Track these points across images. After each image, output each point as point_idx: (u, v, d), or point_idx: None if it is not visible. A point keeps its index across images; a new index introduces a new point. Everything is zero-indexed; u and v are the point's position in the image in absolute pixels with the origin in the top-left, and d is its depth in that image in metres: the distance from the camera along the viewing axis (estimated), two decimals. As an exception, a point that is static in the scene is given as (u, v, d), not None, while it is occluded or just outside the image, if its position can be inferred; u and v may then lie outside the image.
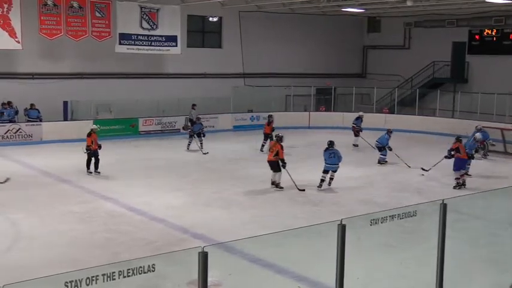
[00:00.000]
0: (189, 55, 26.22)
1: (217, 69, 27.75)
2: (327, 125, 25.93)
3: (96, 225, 11.62)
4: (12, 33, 21.40)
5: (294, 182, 14.61)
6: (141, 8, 24.20)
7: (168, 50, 25.21)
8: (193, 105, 23.84)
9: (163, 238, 10.81)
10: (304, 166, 17.20)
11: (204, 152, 19.73)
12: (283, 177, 14.76)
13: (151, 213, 12.48)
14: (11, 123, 21.25)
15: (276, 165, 14.67)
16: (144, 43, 24.47)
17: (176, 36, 25.10)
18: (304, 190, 14.51)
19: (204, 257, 4.73)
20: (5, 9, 21.18)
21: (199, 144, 20.18)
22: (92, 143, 16.11)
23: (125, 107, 23.92)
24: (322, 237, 7.30)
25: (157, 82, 26.07)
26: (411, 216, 6.41)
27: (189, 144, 20.47)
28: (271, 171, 14.86)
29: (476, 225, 11.04)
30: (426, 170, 16.59)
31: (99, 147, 16.29)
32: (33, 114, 21.88)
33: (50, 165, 17.46)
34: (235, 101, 27.22)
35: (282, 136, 15.14)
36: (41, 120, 21.90)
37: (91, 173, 16.15)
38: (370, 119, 26.92)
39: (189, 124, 22.54)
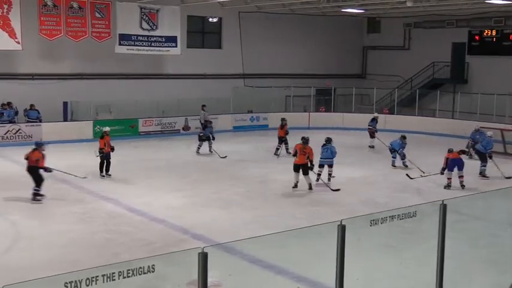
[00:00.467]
0: (189, 56, 26.23)
1: (217, 70, 27.76)
2: (326, 125, 25.91)
3: (96, 225, 11.62)
4: (12, 34, 21.41)
5: (326, 183, 14.83)
6: (141, 8, 24.21)
7: (168, 50, 25.22)
8: (203, 106, 23.74)
9: (163, 239, 10.81)
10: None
11: (221, 156, 19.15)
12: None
13: (151, 213, 12.48)
14: (10, 124, 21.26)
15: (306, 167, 14.51)
16: (144, 44, 24.47)
17: (176, 36, 25.11)
18: (339, 190, 14.64)
19: (203, 258, 4.73)
20: (4, 10, 21.19)
21: (210, 147, 19.75)
22: (105, 145, 15.83)
23: (125, 108, 23.92)
24: (322, 238, 7.30)
25: (157, 83, 26.07)
26: (411, 217, 6.41)
27: (199, 148, 19.93)
28: (294, 173, 14.55)
29: (476, 226, 11.04)
30: (425, 175, 16.46)
31: (112, 149, 16.03)
32: (33, 115, 21.89)
33: (50, 166, 17.40)
34: (235, 101, 27.23)
35: (308, 138, 15.06)
36: (40, 121, 21.91)
37: (104, 176, 15.91)
38: (370, 119, 26.97)
39: (201, 127, 22.12)
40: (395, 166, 17.82)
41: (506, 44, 27.35)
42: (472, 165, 17.91)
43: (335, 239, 5.72)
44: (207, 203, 13.58)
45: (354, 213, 11.79)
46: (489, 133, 18.11)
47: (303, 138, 14.90)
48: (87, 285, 4.29)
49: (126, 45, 24.00)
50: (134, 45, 24.23)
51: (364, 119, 26.93)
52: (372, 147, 21.79)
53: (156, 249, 9.96)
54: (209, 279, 4.77)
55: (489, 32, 27.95)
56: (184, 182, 15.76)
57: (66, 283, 4.24)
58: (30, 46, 22.18)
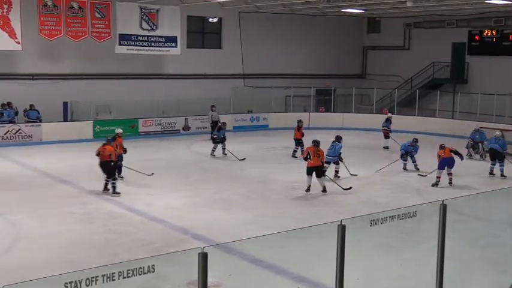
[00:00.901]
0: (188, 56, 26.23)
1: (217, 70, 27.76)
2: (326, 125, 25.90)
3: (96, 226, 11.62)
4: (12, 34, 21.41)
5: (338, 184, 14.77)
6: (141, 8, 24.20)
7: (168, 50, 25.22)
8: (213, 106, 23.67)
9: (163, 239, 10.81)
10: (303, 167, 17.15)
11: (240, 158, 18.82)
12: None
13: (151, 213, 12.48)
14: (10, 124, 21.25)
15: (320, 170, 14.41)
16: (144, 44, 24.47)
17: (176, 36, 25.11)
18: (351, 188, 14.67)
19: (203, 258, 4.73)
20: (4, 10, 21.19)
21: (224, 150, 19.35)
22: (117, 147, 15.32)
23: (125, 108, 23.91)
24: (322, 238, 7.31)
25: (157, 83, 26.07)
26: (411, 217, 6.41)
27: (213, 150, 19.42)
28: (307, 176, 14.32)
29: (476, 226, 11.05)
30: (424, 175, 16.47)
31: (125, 151, 15.64)
32: (33, 115, 21.89)
33: (50, 166, 17.46)
34: (235, 101, 27.23)
35: (319, 141, 14.97)
36: (40, 121, 21.91)
37: (116, 179, 15.24)
38: (370, 119, 27.01)
39: (212, 127, 21.88)
40: (406, 169, 17.38)
41: (506, 44, 27.35)
42: (472, 165, 17.95)
43: (335, 239, 5.72)
44: (207, 203, 13.58)
45: (354, 213, 11.80)
46: (497, 133, 17.94)
47: (314, 141, 14.76)
48: (87, 285, 4.29)
49: (126, 45, 24.00)
50: (134, 45, 24.22)
51: (364, 119, 27.07)
52: (386, 148, 21.53)
53: (156, 249, 9.96)
54: (209, 279, 4.77)
55: (489, 32, 27.96)
56: (184, 182, 15.76)
57: (66, 283, 4.24)
58: (30, 46, 22.18)
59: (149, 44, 24.58)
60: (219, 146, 19.44)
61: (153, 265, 4.58)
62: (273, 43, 29.08)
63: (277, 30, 29.09)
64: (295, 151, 19.38)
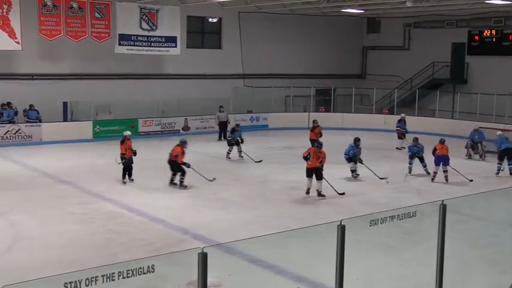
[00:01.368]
0: (188, 56, 26.23)
1: (217, 70, 27.75)
2: (326, 125, 25.81)
3: (96, 226, 11.62)
4: (11, 34, 21.40)
5: (333, 188, 14.25)
6: (141, 8, 24.20)
7: (168, 50, 25.22)
8: (221, 107, 23.64)
9: (163, 239, 10.81)
10: (303, 167, 17.16)
11: (256, 160, 18.48)
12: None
13: (151, 213, 12.48)
14: (10, 124, 21.25)
15: (319, 172, 14.11)
16: (144, 44, 24.47)
17: (176, 37, 25.10)
18: (344, 193, 14.29)
19: (203, 258, 4.73)
20: (4, 10, 21.18)
21: (240, 152, 18.99)
22: (126, 150, 15.34)
23: (125, 108, 23.92)
24: (322, 238, 7.31)
25: (157, 83, 26.07)
26: (411, 217, 6.41)
27: (228, 153, 19.07)
28: (307, 178, 14.13)
29: (476, 226, 11.05)
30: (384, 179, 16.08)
31: (134, 153, 15.51)
32: (33, 115, 21.88)
33: (50, 166, 17.46)
34: (235, 101, 27.23)
35: (322, 143, 14.84)
36: (40, 121, 21.91)
37: (125, 182, 15.34)
38: (370, 119, 27.03)
39: (219, 128, 21.62)
40: (410, 173, 16.78)
41: (506, 44, 27.35)
42: (472, 165, 17.94)
43: (335, 239, 5.72)
44: (207, 203, 13.59)
45: (354, 213, 11.81)
46: (498, 132, 18.12)
47: (317, 142, 14.74)
48: (87, 285, 4.29)
49: (126, 45, 23.99)
50: (134, 46, 24.22)
51: (364, 119, 27.08)
52: (401, 148, 21.19)
53: (156, 249, 9.96)
54: (209, 280, 4.77)
55: (489, 32, 27.96)
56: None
57: (66, 283, 4.24)
58: (30, 46, 22.18)
59: (149, 44, 24.58)
60: (235, 148, 19.10)
61: (153, 265, 4.58)
62: (273, 43, 29.07)
63: (277, 30, 29.09)
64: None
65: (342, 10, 27.26)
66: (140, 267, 4.54)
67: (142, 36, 24.36)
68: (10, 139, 21.01)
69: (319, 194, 14.01)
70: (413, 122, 25.79)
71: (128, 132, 16.14)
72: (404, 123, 22.29)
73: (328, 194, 14.32)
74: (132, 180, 15.48)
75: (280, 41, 29.26)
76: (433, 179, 16.02)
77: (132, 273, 4.51)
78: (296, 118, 27.33)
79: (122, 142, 15.54)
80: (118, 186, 15.08)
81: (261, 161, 18.65)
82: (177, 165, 15.06)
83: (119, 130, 22.59)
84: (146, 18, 24.40)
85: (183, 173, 14.98)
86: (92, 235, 11.04)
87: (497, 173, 16.99)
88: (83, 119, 23.28)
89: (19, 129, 21.26)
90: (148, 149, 21.14)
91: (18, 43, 21.59)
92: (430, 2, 23.71)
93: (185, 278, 7.30)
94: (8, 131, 21.03)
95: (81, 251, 10.08)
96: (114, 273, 4.43)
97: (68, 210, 12.60)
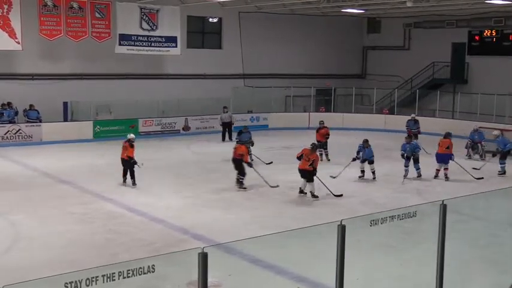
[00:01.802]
0: (189, 56, 26.23)
1: (217, 70, 27.75)
2: (326, 125, 25.87)
3: (96, 226, 11.62)
4: (12, 34, 21.41)
5: (329, 190, 14.04)
6: (141, 8, 24.20)
7: (168, 50, 25.22)
8: (225, 107, 23.54)
9: (163, 239, 10.81)
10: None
11: (267, 163, 18.18)
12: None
13: (151, 213, 12.48)
14: (10, 124, 21.26)
15: (309, 174, 13.97)
16: (144, 44, 24.47)
17: (176, 37, 25.10)
18: (341, 195, 14.13)
19: (203, 258, 4.73)
20: (5, 10, 21.19)
21: (250, 155, 17.96)
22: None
23: (125, 108, 23.92)
24: (322, 238, 7.31)
25: (157, 83, 26.07)
26: (411, 217, 6.41)
27: None
28: (303, 179, 14.09)
29: (476, 226, 11.05)
30: (334, 177, 15.91)
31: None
32: (33, 115, 21.89)
33: (50, 166, 17.46)
34: (235, 101, 27.20)
35: (317, 145, 14.76)
36: (40, 121, 21.91)
37: (124, 184, 15.13)
38: (370, 119, 27.02)
39: (223, 128, 21.47)
40: (406, 177, 16.16)
41: (506, 44, 27.35)
42: (472, 165, 17.92)
43: (335, 239, 5.72)
44: (207, 203, 13.58)
45: (354, 213, 11.81)
46: (495, 132, 18.29)
47: (312, 144, 14.67)
48: (87, 285, 4.29)
49: (126, 45, 23.99)
50: (134, 46, 24.22)
51: (364, 119, 27.08)
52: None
53: (156, 249, 9.96)
54: (209, 279, 4.77)
55: (489, 32, 27.95)
56: (184, 182, 15.76)
57: (66, 283, 4.24)
58: (30, 46, 22.18)
59: (149, 44, 24.58)
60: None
61: (153, 265, 4.58)
62: (273, 43, 29.07)
63: (277, 30, 29.09)
64: (320, 154, 18.22)
65: (342, 10, 27.26)
66: (140, 267, 4.54)
67: (142, 36, 24.36)
68: (10, 139, 21.01)
69: (312, 195, 13.95)
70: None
71: (131, 135, 15.69)
72: (414, 123, 22.18)
73: (329, 194, 14.32)
74: (135, 185, 15.07)
75: (280, 41, 29.26)
76: (435, 177, 16.24)
77: (132, 273, 4.51)
78: (296, 118, 27.35)
79: (132, 145, 15.22)
80: (118, 186, 15.08)
81: (271, 162, 18.39)
82: (239, 164, 14.75)
83: (119, 130, 22.69)
84: (146, 18, 24.40)
85: (243, 174, 14.73)
86: (92, 235, 11.04)
87: (503, 173, 17.01)
88: (83, 119, 23.28)
89: (19, 129, 21.26)
90: (148, 149, 21.14)
91: (19, 43, 21.59)
92: (430, 2, 23.71)
93: (185, 278, 7.30)
94: (8, 131, 21.04)
95: (81, 251, 10.08)
96: (114, 273, 4.43)
97: (68, 210, 12.60)
